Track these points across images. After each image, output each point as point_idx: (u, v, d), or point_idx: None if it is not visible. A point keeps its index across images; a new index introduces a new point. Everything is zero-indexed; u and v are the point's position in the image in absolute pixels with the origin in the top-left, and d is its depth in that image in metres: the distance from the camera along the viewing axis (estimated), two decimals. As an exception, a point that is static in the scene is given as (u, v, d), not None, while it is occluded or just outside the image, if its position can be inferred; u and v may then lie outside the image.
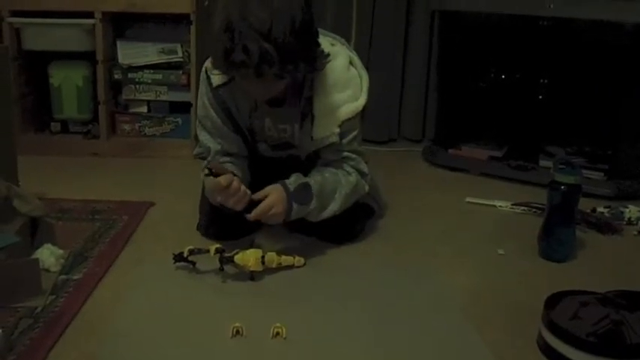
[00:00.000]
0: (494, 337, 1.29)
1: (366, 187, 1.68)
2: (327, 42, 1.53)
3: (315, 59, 1.46)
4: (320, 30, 1.57)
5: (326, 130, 1.56)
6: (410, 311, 1.38)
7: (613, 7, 2.10)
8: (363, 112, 1.61)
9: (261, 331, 1.26)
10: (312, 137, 1.57)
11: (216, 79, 1.55)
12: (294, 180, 1.54)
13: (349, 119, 1.57)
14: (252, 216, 1.48)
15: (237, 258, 1.45)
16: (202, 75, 1.61)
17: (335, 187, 1.59)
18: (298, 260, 1.55)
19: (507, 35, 2.47)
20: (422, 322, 1.34)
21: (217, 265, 1.46)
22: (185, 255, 1.48)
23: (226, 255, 1.45)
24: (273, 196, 1.49)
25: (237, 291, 1.44)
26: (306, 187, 1.54)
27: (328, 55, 1.50)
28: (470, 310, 1.39)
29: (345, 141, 1.60)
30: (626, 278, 1.56)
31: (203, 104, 1.62)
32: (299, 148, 1.64)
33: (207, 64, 1.58)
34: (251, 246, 1.50)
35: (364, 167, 1.66)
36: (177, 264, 1.51)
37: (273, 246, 1.60)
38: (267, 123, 1.61)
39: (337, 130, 1.56)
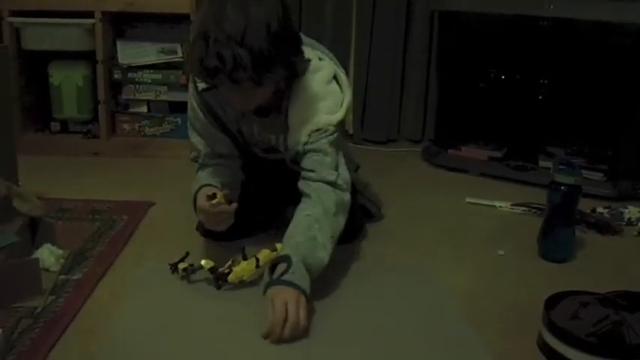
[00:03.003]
0: (494, 337, 1.29)
1: (345, 197, 1.50)
2: (315, 55, 1.52)
3: (294, 64, 1.43)
4: (311, 42, 1.57)
5: (296, 137, 1.50)
6: (409, 311, 1.38)
7: (613, 8, 2.10)
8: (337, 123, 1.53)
9: (260, 333, 1.26)
10: (286, 147, 1.54)
11: (202, 83, 1.52)
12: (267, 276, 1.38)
13: (318, 130, 1.48)
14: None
15: (231, 278, 1.41)
16: (190, 77, 1.60)
17: (308, 225, 1.42)
18: None
19: (507, 36, 2.47)
20: (421, 323, 1.34)
21: (214, 285, 1.44)
22: (180, 272, 1.47)
23: (219, 272, 1.43)
24: (291, 302, 1.26)
25: (236, 293, 1.43)
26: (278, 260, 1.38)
27: (309, 60, 1.48)
28: (469, 311, 1.40)
29: (311, 154, 1.49)
30: (626, 279, 1.56)
31: (192, 106, 1.61)
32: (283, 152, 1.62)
33: None
34: (243, 254, 1.46)
35: (331, 175, 1.48)
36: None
37: (266, 247, 1.50)
38: (256, 130, 1.61)
39: (304, 139, 1.48)
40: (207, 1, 1.41)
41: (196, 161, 1.67)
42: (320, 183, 1.47)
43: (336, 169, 1.50)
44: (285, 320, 1.23)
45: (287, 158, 1.57)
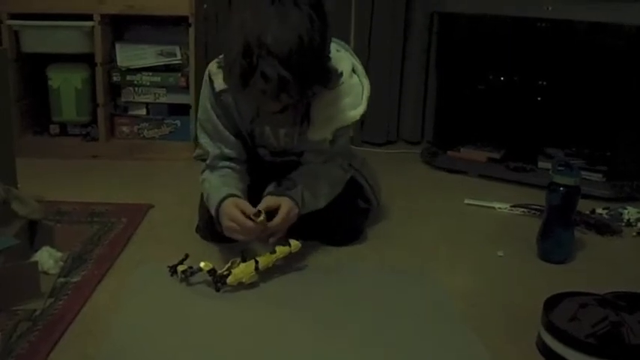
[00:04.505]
0: (494, 338, 1.29)
1: (347, 176, 1.69)
2: (332, 48, 1.51)
3: (330, 80, 1.45)
4: None
5: (320, 135, 1.56)
6: (409, 313, 1.38)
7: (611, 9, 2.10)
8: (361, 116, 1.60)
9: (260, 335, 1.26)
10: (307, 138, 1.57)
11: (219, 83, 1.53)
12: (272, 184, 1.58)
13: (345, 127, 1.57)
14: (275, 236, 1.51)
15: (230, 280, 1.42)
16: (205, 78, 1.59)
17: (315, 171, 1.61)
18: (295, 246, 1.52)
19: (506, 37, 2.47)
20: (421, 324, 1.34)
21: (213, 287, 1.43)
22: (179, 275, 1.47)
23: (218, 275, 1.43)
24: (284, 208, 1.51)
25: (235, 295, 1.43)
26: (281, 180, 1.58)
27: (341, 74, 1.48)
28: (469, 312, 1.39)
29: (335, 146, 1.61)
30: (625, 279, 1.56)
31: (204, 107, 1.61)
32: (296, 150, 1.64)
33: (211, 67, 1.56)
34: (242, 256, 1.47)
35: (342, 160, 1.67)
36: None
37: (266, 250, 1.53)
38: (267, 131, 1.62)
39: (330, 136, 1.57)
40: (241, 3, 1.40)
41: (202, 160, 1.67)
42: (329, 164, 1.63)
43: (345, 154, 1.66)
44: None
45: (298, 149, 1.62)
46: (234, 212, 1.48)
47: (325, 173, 1.63)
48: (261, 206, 1.49)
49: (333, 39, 1.57)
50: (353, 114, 1.55)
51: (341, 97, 1.53)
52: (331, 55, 1.47)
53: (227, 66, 1.39)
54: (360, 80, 1.58)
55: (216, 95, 1.57)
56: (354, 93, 1.55)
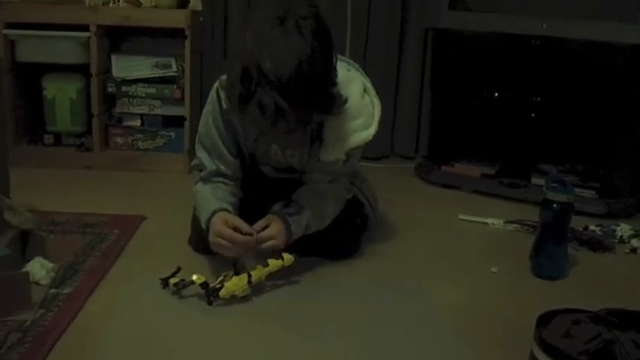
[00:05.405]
0: (487, 354, 1.28)
1: (348, 195, 1.69)
2: (342, 67, 1.50)
3: (332, 107, 1.43)
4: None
5: (333, 155, 1.56)
6: (402, 329, 1.38)
7: (605, 28, 2.13)
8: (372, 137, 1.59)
9: (253, 349, 1.25)
10: (319, 159, 1.57)
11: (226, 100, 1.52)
12: (277, 205, 1.56)
13: (357, 147, 1.57)
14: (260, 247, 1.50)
15: (222, 293, 1.41)
16: (212, 95, 1.58)
17: (322, 191, 1.60)
18: (288, 259, 1.51)
19: (500, 54, 2.49)
20: (414, 340, 1.33)
21: (205, 300, 1.43)
22: (171, 287, 1.46)
23: (211, 288, 1.42)
24: (274, 227, 1.50)
25: (228, 308, 1.42)
26: (290, 201, 1.56)
27: (346, 100, 1.46)
28: (462, 328, 1.39)
29: (345, 165, 1.60)
30: (618, 296, 1.56)
31: (206, 122, 1.60)
32: (303, 169, 1.64)
33: (219, 84, 1.55)
34: (235, 269, 1.46)
35: (348, 185, 1.68)
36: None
37: (258, 264, 1.52)
38: (275, 148, 1.61)
39: (343, 157, 1.56)
40: (247, 21, 1.39)
41: (197, 170, 1.66)
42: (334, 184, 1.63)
43: (350, 174, 1.68)
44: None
45: (309, 170, 1.61)
46: (220, 227, 1.47)
47: (331, 193, 1.63)
48: (259, 225, 1.49)
49: (342, 57, 1.56)
50: (365, 135, 1.55)
51: (353, 117, 1.51)
52: (340, 77, 1.45)
53: (227, 88, 1.39)
54: (371, 100, 1.58)
55: (224, 113, 1.55)
56: (365, 113, 1.55)
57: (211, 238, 1.48)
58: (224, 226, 1.47)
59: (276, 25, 1.31)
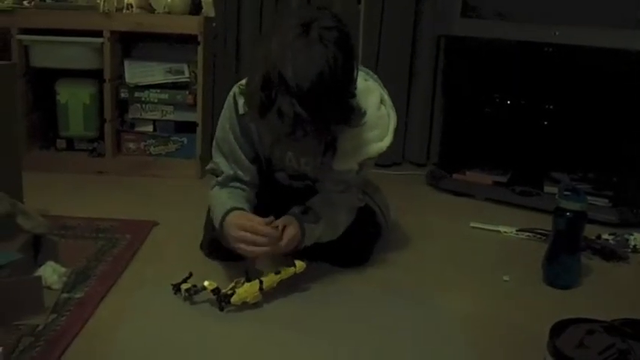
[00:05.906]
0: (499, 364, 1.28)
1: (362, 203, 1.69)
2: (360, 77, 1.48)
3: (350, 119, 1.42)
4: None
5: (346, 165, 1.55)
6: (413, 337, 1.37)
7: (618, 35, 2.11)
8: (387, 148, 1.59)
9: (263, 356, 1.25)
10: (332, 168, 1.56)
11: (242, 106, 1.52)
12: (296, 208, 1.56)
13: (371, 158, 1.57)
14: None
15: (234, 300, 1.41)
16: (229, 100, 1.59)
17: (334, 201, 1.60)
18: (300, 266, 1.51)
19: (513, 61, 2.48)
20: (425, 348, 1.33)
21: (217, 306, 1.43)
22: (182, 293, 1.46)
23: (222, 294, 1.42)
24: (292, 229, 1.50)
25: (239, 314, 1.42)
26: (308, 209, 1.56)
27: (365, 113, 1.45)
28: (473, 337, 1.38)
29: (357, 175, 1.60)
30: (631, 306, 1.55)
31: (223, 128, 1.61)
32: (315, 177, 1.64)
33: (236, 89, 1.56)
34: (246, 275, 1.47)
35: (360, 195, 1.68)
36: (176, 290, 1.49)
37: (270, 270, 1.52)
38: (289, 155, 1.61)
39: (356, 167, 1.56)
40: (271, 30, 1.39)
41: (214, 174, 1.66)
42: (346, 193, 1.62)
43: (362, 184, 1.68)
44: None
45: (321, 177, 1.61)
46: (243, 220, 1.47)
47: (344, 203, 1.62)
48: (278, 223, 1.49)
49: (361, 67, 1.54)
50: (379, 146, 1.54)
51: (368, 129, 1.51)
52: (359, 87, 1.45)
53: (248, 94, 1.39)
54: (387, 112, 1.57)
55: (240, 118, 1.56)
56: (381, 125, 1.54)
57: (234, 232, 1.47)
58: (245, 219, 1.47)
59: (300, 35, 1.31)
